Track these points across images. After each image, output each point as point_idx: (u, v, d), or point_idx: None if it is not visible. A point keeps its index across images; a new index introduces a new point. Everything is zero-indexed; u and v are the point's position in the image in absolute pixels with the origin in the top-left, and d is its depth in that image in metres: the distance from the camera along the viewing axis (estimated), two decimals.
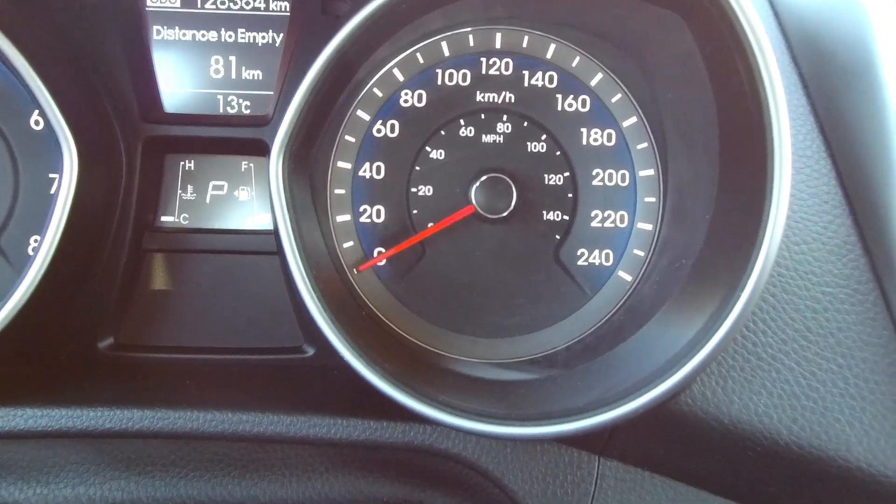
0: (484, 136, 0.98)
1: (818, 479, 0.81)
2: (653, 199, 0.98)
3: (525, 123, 0.98)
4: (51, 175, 0.97)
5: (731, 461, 0.85)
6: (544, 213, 0.98)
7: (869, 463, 0.79)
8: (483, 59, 0.98)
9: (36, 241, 0.97)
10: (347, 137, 0.98)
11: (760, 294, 0.74)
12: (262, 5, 0.98)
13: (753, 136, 0.75)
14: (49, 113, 0.83)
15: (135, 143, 0.98)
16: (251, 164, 1.02)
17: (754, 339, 0.83)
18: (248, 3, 0.98)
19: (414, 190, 0.99)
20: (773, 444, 0.81)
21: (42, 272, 0.82)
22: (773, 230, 0.73)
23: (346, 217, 0.99)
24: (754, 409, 0.81)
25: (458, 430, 0.78)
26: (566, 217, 0.98)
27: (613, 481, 0.88)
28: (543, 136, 0.98)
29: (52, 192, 0.96)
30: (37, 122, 0.96)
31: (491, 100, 0.98)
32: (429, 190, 0.99)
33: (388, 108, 0.99)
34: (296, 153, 0.84)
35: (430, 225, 0.98)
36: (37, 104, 0.84)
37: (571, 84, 0.98)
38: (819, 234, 0.85)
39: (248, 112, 1.00)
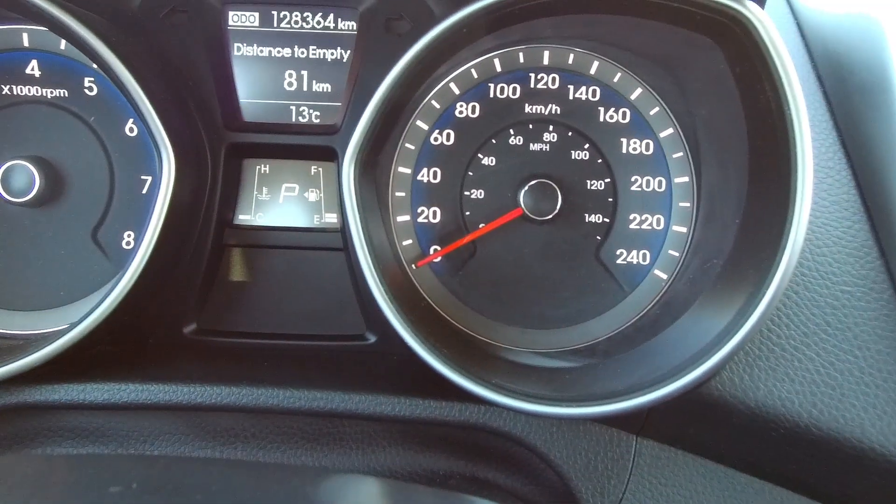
0: (532, 144, 1.00)
1: (835, 458, 0.82)
2: (687, 204, 0.99)
3: (570, 133, 1.00)
4: (142, 177, 0.99)
5: (755, 441, 0.86)
6: (586, 215, 0.99)
7: (882, 444, 0.80)
8: (532, 75, 1.00)
9: (129, 235, 1.00)
10: (408, 145, 1.01)
11: (784, 292, 0.75)
12: (332, 24, 1.00)
13: (779, 149, 0.77)
14: (150, 122, 0.85)
15: (218, 149, 1.00)
16: (320, 169, 1.04)
17: (778, 332, 0.84)
18: (318, 23, 1.00)
19: (467, 193, 1.00)
20: (794, 426, 0.82)
21: (142, 265, 0.84)
22: (796, 234, 0.75)
23: (406, 217, 1.01)
24: (777, 395, 0.83)
25: (509, 409, 0.79)
26: (607, 219, 0.99)
27: (649, 458, 0.89)
28: (586, 145, 0.99)
29: (144, 191, 1.00)
30: (131, 130, 0.99)
31: (538, 111, 1.00)
32: (480, 193, 1.00)
33: (444, 119, 1.01)
34: (364, 160, 0.87)
35: (481, 226, 0.99)
36: (137, 114, 0.86)
37: (613, 98, 0.99)
38: (839, 238, 0.86)
39: (317, 121, 1.01)
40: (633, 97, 1.00)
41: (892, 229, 0.85)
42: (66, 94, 1.00)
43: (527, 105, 1.00)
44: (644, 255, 1.00)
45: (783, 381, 0.83)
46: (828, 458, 0.83)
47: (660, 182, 1.00)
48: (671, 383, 0.76)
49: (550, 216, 0.97)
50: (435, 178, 1.02)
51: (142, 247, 0.85)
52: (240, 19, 1.00)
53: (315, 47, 1.01)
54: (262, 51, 1.01)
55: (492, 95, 1.01)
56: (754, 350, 0.84)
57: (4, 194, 0.95)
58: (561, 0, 0.83)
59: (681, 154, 0.99)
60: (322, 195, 1.05)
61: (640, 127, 1.00)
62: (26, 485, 0.56)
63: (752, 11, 0.76)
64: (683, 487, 0.89)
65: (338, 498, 0.55)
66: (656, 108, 0.99)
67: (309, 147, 1.02)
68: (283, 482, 0.56)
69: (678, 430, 0.89)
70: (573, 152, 1.00)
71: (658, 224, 1.00)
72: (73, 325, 0.84)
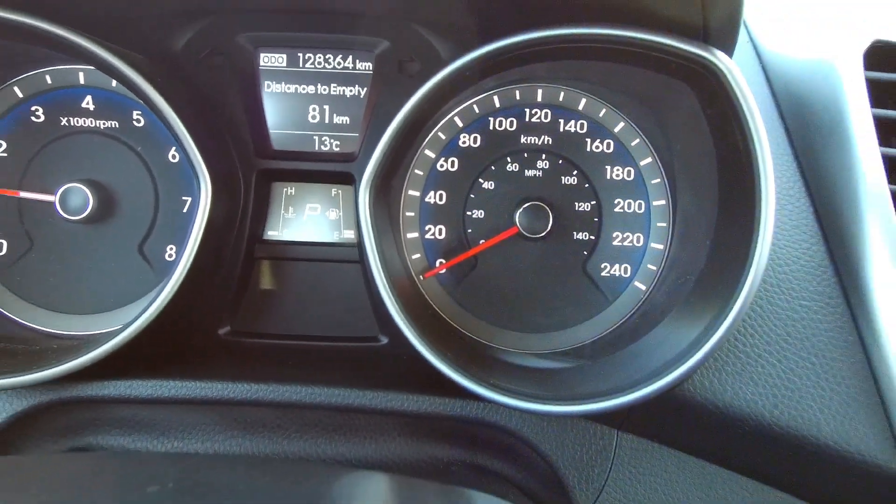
0: (526, 170, 1.00)
1: (794, 452, 0.82)
2: (664, 225, 0.99)
3: (560, 161, 1.00)
4: (183, 197, 1.00)
5: (724, 437, 0.86)
6: (575, 233, 1.00)
7: (836, 441, 0.80)
8: (527, 110, 1.00)
9: (171, 249, 1.00)
10: (417, 171, 1.01)
11: (750, 305, 0.75)
12: (350, 65, 1.01)
13: (746, 180, 0.78)
14: (189, 151, 0.86)
15: (250, 174, 1.01)
16: (340, 191, 1.04)
17: (744, 341, 0.84)
18: (339, 63, 1.01)
19: (469, 213, 1.01)
20: (757, 424, 0.82)
21: (182, 275, 0.85)
22: (760, 254, 0.75)
23: (415, 234, 1.02)
24: (743, 397, 0.83)
25: (506, 406, 0.80)
26: (592, 237, 1.00)
27: (629, 450, 0.89)
28: (575, 172, 1.00)
29: (185, 210, 1.00)
30: (173, 157, 1.00)
31: (532, 142, 1.00)
32: (481, 213, 1.01)
33: (449, 148, 1.01)
34: (378, 184, 0.87)
35: (481, 242, 1.00)
36: (177, 143, 0.87)
37: (598, 131, 1.00)
38: (798, 258, 0.86)
39: (337, 150, 1.02)
40: (616, 130, 1.00)
41: (846, 251, 0.85)
42: (117, 126, 1.01)
43: (522, 136, 1.01)
44: (626, 268, 1.00)
45: (748, 384, 0.84)
46: (788, 452, 0.83)
47: (640, 204, 1.00)
48: (648, 386, 0.77)
49: (543, 234, 0.97)
50: (441, 199, 1.02)
51: (182, 259, 0.86)
52: (270, 60, 1.01)
53: (335, 85, 1.02)
54: (289, 88, 1.02)
55: (491, 128, 1.01)
56: (723, 357, 0.84)
57: (62, 212, 0.96)
58: (551, 50, 0.83)
59: (658, 180, 0.99)
60: (341, 214, 1.05)
61: (622, 156, 1.00)
62: (74, 483, 0.57)
63: (721, 60, 0.77)
64: (659, 476, 0.90)
65: (351, 495, 0.54)
66: (637, 140, 1.00)
67: (330, 172, 1.03)
68: (300, 480, 0.56)
69: (655, 426, 0.89)
70: (563, 178, 1.00)
71: (638, 241, 1.00)
72: (122, 329, 0.85)
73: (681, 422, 0.87)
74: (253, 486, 0.53)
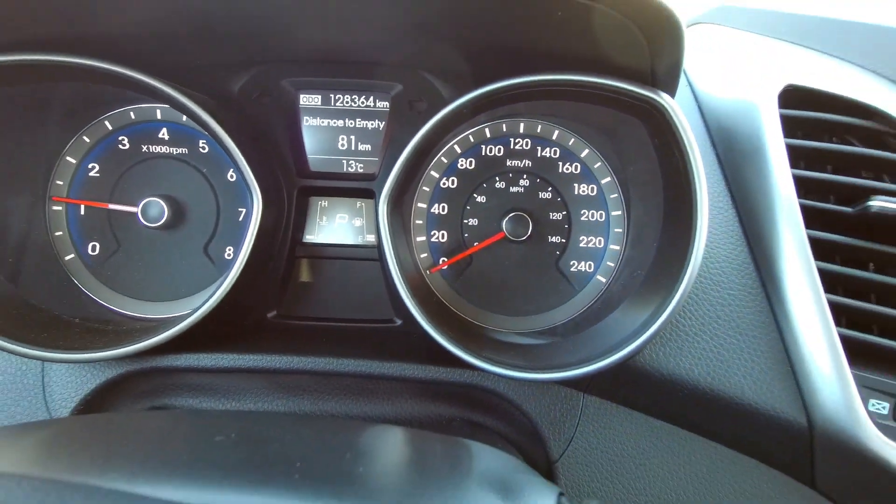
0: (511, 187, 1.00)
1: (724, 411, 0.83)
2: (620, 230, 0.99)
3: (538, 180, 1.00)
4: (239, 209, 1.00)
5: (667, 399, 0.86)
6: (549, 237, 1.00)
7: (755, 401, 0.81)
8: (511, 139, 1.00)
9: (230, 249, 1.00)
10: (424, 188, 1.01)
11: (688, 294, 0.76)
12: (372, 104, 1.01)
13: (685, 194, 0.78)
14: (244, 171, 0.86)
15: (292, 190, 1.01)
16: (363, 204, 1.05)
17: (684, 323, 0.84)
18: (362, 103, 1.01)
19: (465, 221, 1.01)
20: (694, 388, 0.83)
21: (238, 271, 0.85)
22: (696, 254, 0.76)
23: (422, 238, 1.02)
24: (683, 367, 0.83)
25: (495, 374, 0.80)
26: (564, 240, 1.00)
27: (593, 409, 0.89)
28: (549, 188, 1.00)
29: (241, 219, 1.00)
30: (231, 176, 1.00)
31: (516, 164, 1.00)
32: (475, 221, 1.01)
33: (450, 170, 1.01)
34: (393, 199, 0.88)
35: (475, 244, 1.00)
36: (235, 165, 0.87)
37: (568, 156, 1.00)
38: (726, 256, 0.86)
39: (361, 171, 1.02)
40: (582, 155, 1.00)
41: (764, 251, 0.85)
42: (186, 152, 1.01)
43: (508, 160, 1.01)
44: (590, 265, 1.00)
45: (686, 356, 0.84)
46: (718, 410, 0.84)
47: (601, 214, 1.00)
48: (607, 358, 0.77)
49: (524, 238, 0.97)
50: (443, 210, 1.02)
51: (238, 258, 0.86)
52: (308, 100, 1.01)
53: (360, 119, 1.02)
54: (323, 122, 1.02)
55: (483, 153, 1.01)
56: (666, 335, 0.84)
57: (143, 221, 0.96)
58: (530, 91, 0.84)
59: (616, 195, 0.99)
60: (364, 222, 1.05)
61: (587, 176, 1.00)
62: (156, 434, 0.57)
63: (665, 101, 0.77)
64: (615, 430, 0.89)
65: (375, 443, 0.54)
66: (599, 163, 1.00)
67: (355, 189, 1.03)
68: (335, 432, 0.56)
69: (613, 390, 0.89)
70: (540, 193, 1.00)
71: (600, 244, 1.00)
72: (191, 313, 0.85)
73: (634, 386, 0.87)
74: (297, 436, 0.54)
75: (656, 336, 0.77)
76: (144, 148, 1.00)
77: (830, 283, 0.81)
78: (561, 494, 0.49)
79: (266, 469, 0.44)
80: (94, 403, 0.90)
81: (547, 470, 0.88)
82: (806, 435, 0.80)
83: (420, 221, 1.02)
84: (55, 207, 0.99)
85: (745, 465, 0.86)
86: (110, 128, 1.00)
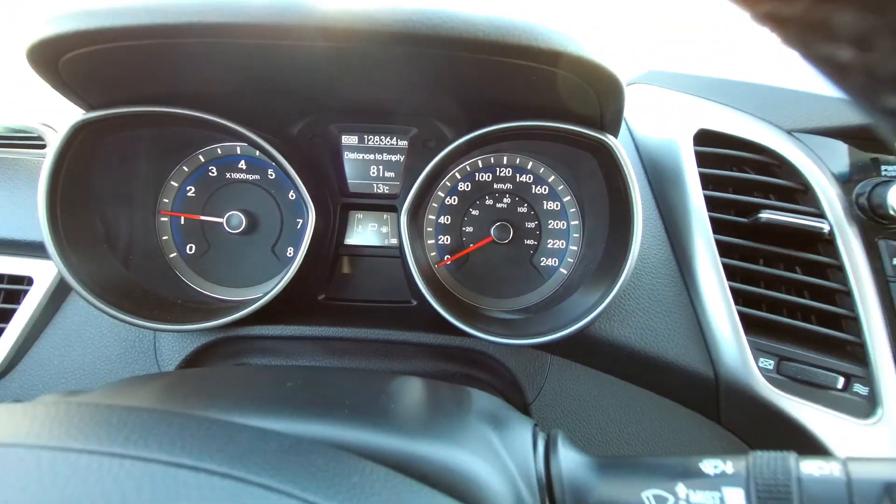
0: (497, 204, 1.00)
1: (653, 367, 0.83)
2: (577, 235, 0.99)
3: (517, 198, 1.00)
4: (297, 219, 1.00)
5: (613, 359, 0.87)
6: (525, 240, 1.00)
7: (676, 360, 0.81)
8: (497, 168, 1.00)
9: (291, 249, 1.00)
10: (433, 204, 1.01)
11: (627, 282, 0.77)
12: (395, 143, 1.01)
13: (625, 209, 0.79)
14: (302, 192, 0.86)
15: (336, 206, 1.01)
16: (388, 216, 1.04)
17: (625, 303, 0.85)
18: (388, 142, 1.01)
19: (464, 229, 1.01)
20: (631, 351, 0.83)
21: (297, 265, 0.85)
22: (633, 252, 0.76)
23: (432, 241, 1.02)
24: (623, 336, 0.84)
25: (486, 341, 0.80)
26: (536, 242, 0.99)
27: (557, 366, 0.89)
28: (526, 205, 1.00)
29: (299, 227, 1.00)
30: (292, 196, 1.00)
31: (501, 187, 1.00)
32: (471, 229, 1.01)
33: (453, 190, 1.01)
34: (411, 213, 0.88)
35: (471, 245, 1.00)
36: (294, 188, 0.87)
37: (539, 181, 1.00)
38: (655, 254, 0.87)
39: (387, 192, 1.02)
40: (549, 180, 1.00)
41: (682, 250, 0.86)
42: (259, 178, 1.01)
43: (495, 184, 1.01)
44: (555, 260, 1.00)
45: (626, 328, 0.84)
46: (649, 367, 0.84)
47: (563, 223, 1.00)
48: (567, 329, 0.77)
49: (507, 241, 0.97)
50: (447, 221, 1.02)
51: (298, 255, 0.86)
52: (348, 140, 1.01)
53: (386, 154, 1.02)
54: (359, 156, 1.02)
55: (477, 179, 1.01)
56: (611, 312, 0.84)
57: (227, 228, 0.96)
58: (509, 133, 0.83)
59: (574, 210, 0.99)
60: (389, 229, 1.05)
61: (553, 196, 1.00)
62: (241, 381, 0.58)
63: (610, 140, 0.78)
64: (574, 381, 0.89)
65: (401, 387, 0.55)
66: (561, 186, 1.00)
67: (382, 205, 1.03)
68: (370, 380, 0.57)
69: (572, 352, 0.89)
70: (518, 208, 1.00)
71: (562, 245, 1.00)
72: (262, 296, 0.85)
73: (588, 350, 0.88)
74: (344, 383, 0.55)
75: (604, 313, 0.77)
76: (228, 175, 1.00)
77: (730, 273, 0.82)
78: (535, 425, 0.50)
79: (324, 405, 0.46)
80: (192, 362, 0.91)
81: (524, 410, 0.89)
82: (713, 385, 0.81)
83: (430, 229, 1.02)
84: (162, 219, 1.00)
85: (669, 406, 0.86)
86: (202, 160, 1.00)
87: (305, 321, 0.90)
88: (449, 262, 1.01)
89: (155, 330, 0.83)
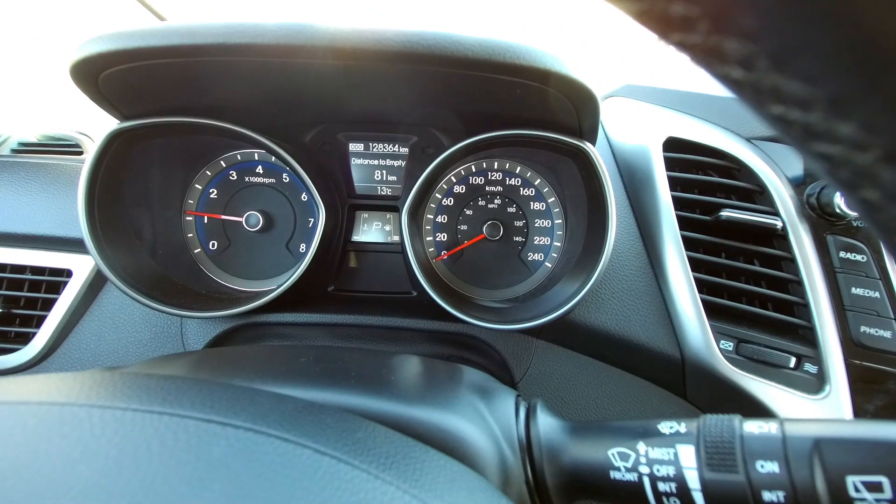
0: (489, 204, 1.01)
1: (626, 349, 0.85)
2: (561, 233, 1.00)
3: (507, 199, 1.01)
4: (309, 219, 1.01)
5: (591, 342, 0.88)
6: (514, 237, 1.01)
7: (647, 343, 0.83)
8: (489, 172, 1.02)
9: (303, 245, 1.01)
10: (431, 205, 1.02)
11: (603, 274, 0.78)
12: (396, 150, 1.02)
13: (602, 208, 0.80)
14: (314, 194, 0.87)
15: (344, 207, 1.02)
16: (391, 216, 1.05)
17: (600, 292, 0.86)
18: (391, 149, 1.02)
19: (459, 227, 1.02)
20: (608, 335, 0.85)
21: (309, 259, 0.87)
22: (609, 246, 0.78)
23: (430, 238, 1.02)
24: (599, 320, 0.85)
25: (479, 327, 0.81)
26: (524, 239, 1.01)
27: (542, 349, 0.90)
28: (515, 205, 1.01)
29: (310, 226, 1.01)
30: (304, 197, 1.01)
31: (492, 189, 1.01)
32: (465, 227, 1.02)
33: (449, 192, 1.02)
34: (411, 213, 0.89)
35: (465, 242, 1.01)
36: (307, 190, 0.89)
37: (527, 184, 1.01)
38: (628, 249, 0.88)
39: (389, 194, 1.03)
40: (536, 183, 1.01)
41: (653, 244, 0.87)
42: (275, 181, 1.02)
43: (487, 186, 1.02)
44: (541, 255, 1.01)
45: (602, 313, 0.85)
46: (623, 348, 0.85)
47: (548, 222, 1.01)
48: (550, 315, 0.79)
49: (497, 238, 0.98)
50: (444, 220, 1.03)
51: (310, 251, 0.88)
52: (355, 147, 1.02)
53: (389, 160, 1.03)
54: (364, 161, 1.03)
55: (470, 182, 1.02)
56: (589, 300, 0.86)
57: (246, 227, 0.97)
58: (499, 140, 0.85)
59: (558, 209, 1.01)
60: (391, 227, 1.06)
61: (539, 197, 1.01)
62: (261, 357, 0.59)
63: (588, 147, 0.79)
64: (558, 363, 0.90)
65: (402, 363, 0.56)
66: (546, 188, 1.01)
67: (386, 206, 1.04)
68: (373, 357, 0.58)
69: (555, 336, 0.90)
70: (508, 208, 1.01)
71: (547, 241, 1.01)
72: (277, 287, 0.87)
73: (568, 334, 0.89)
74: (352, 358, 0.57)
75: (582, 301, 0.79)
76: (247, 178, 1.02)
77: (695, 265, 0.83)
78: (518, 396, 0.52)
79: (333, 376, 0.48)
80: (215, 346, 0.93)
81: (507, 383, 0.88)
82: (679, 364, 0.82)
83: (429, 227, 1.03)
84: (188, 218, 1.01)
85: (641, 384, 0.88)
86: (224, 165, 1.02)
87: (316, 309, 0.91)
88: (445, 257, 1.02)
89: (181, 317, 0.85)
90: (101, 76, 0.64)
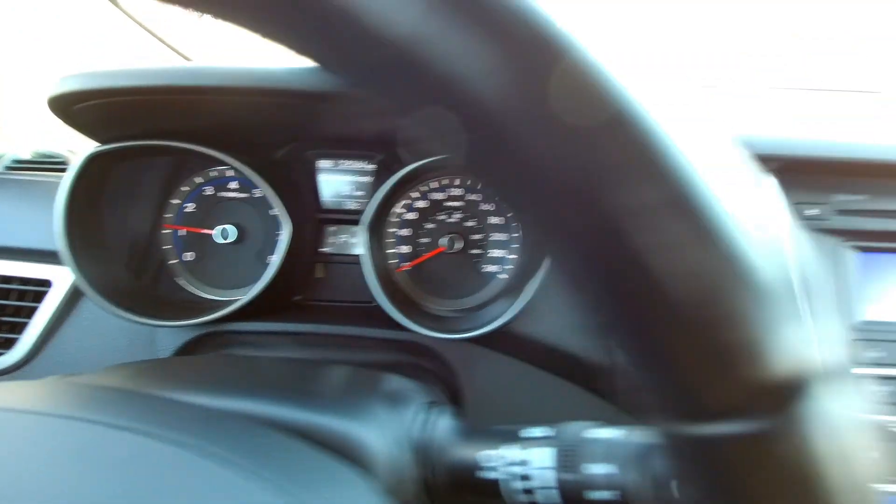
0: (447, 218, 1.05)
1: (565, 359, 0.87)
2: (517, 246, 1.04)
3: (467, 213, 1.05)
4: (277, 232, 1.03)
5: (532, 352, 0.91)
6: (472, 250, 1.05)
7: (581, 354, 0.87)
8: (451, 188, 1.05)
9: (270, 256, 1.02)
10: (393, 219, 1.06)
11: (544, 288, 0.82)
12: (363, 167, 1.07)
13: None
14: (279, 210, 0.92)
15: (312, 220, 1.06)
16: (357, 229, 1.06)
17: (539, 306, 0.88)
18: (359, 166, 1.07)
19: (419, 240, 1.06)
20: (545, 345, 0.88)
21: (275, 270, 0.91)
22: (545, 263, 0.80)
23: (393, 250, 1.06)
24: (538, 332, 0.89)
25: (432, 336, 0.85)
26: (481, 252, 1.05)
27: (487, 358, 0.93)
28: (475, 219, 1.05)
29: (279, 238, 0.99)
30: (273, 212, 1.03)
31: (452, 204, 1.05)
32: (427, 239, 1.06)
33: (410, 207, 1.06)
34: (371, 226, 0.93)
35: (424, 254, 1.05)
36: (277, 206, 0.93)
37: (486, 199, 1.05)
38: None
39: (356, 208, 1.07)
40: (496, 198, 1.04)
41: None
42: (247, 196, 1.07)
43: (448, 201, 1.06)
44: (498, 268, 1.05)
45: (541, 325, 0.90)
46: (561, 359, 0.89)
47: (506, 236, 1.05)
48: (484, 327, 0.83)
49: (456, 250, 1.02)
50: (407, 233, 1.07)
51: (275, 261, 0.92)
52: (323, 164, 1.07)
53: (357, 177, 1.07)
54: (332, 177, 1.07)
55: (431, 197, 1.06)
56: (529, 312, 0.87)
57: (220, 239, 1.02)
58: (453, 166, 0.90)
59: (516, 224, 1.04)
60: (358, 240, 1.09)
61: (499, 210, 1.05)
62: (223, 366, 0.64)
63: None
64: (501, 371, 0.93)
65: (329, 373, 0.60)
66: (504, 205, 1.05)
67: (351, 220, 1.08)
68: (327, 372, 0.60)
69: (499, 346, 0.93)
70: (467, 222, 1.05)
71: (504, 254, 1.05)
72: (245, 296, 0.92)
73: (511, 344, 0.92)
74: (306, 371, 0.60)
75: (521, 314, 0.82)
76: (221, 193, 1.07)
77: None
78: (431, 402, 0.56)
79: (246, 387, 0.49)
80: (184, 352, 0.97)
81: (456, 388, 0.91)
82: (611, 375, 0.86)
83: (391, 240, 1.07)
84: (165, 231, 1.07)
85: (577, 391, 0.90)
86: (199, 181, 1.07)
87: (282, 319, 0.95)
88: (407, 269, 1.06)
89: (151, 326, 0.90)
90: (74, 109, 0.71)
